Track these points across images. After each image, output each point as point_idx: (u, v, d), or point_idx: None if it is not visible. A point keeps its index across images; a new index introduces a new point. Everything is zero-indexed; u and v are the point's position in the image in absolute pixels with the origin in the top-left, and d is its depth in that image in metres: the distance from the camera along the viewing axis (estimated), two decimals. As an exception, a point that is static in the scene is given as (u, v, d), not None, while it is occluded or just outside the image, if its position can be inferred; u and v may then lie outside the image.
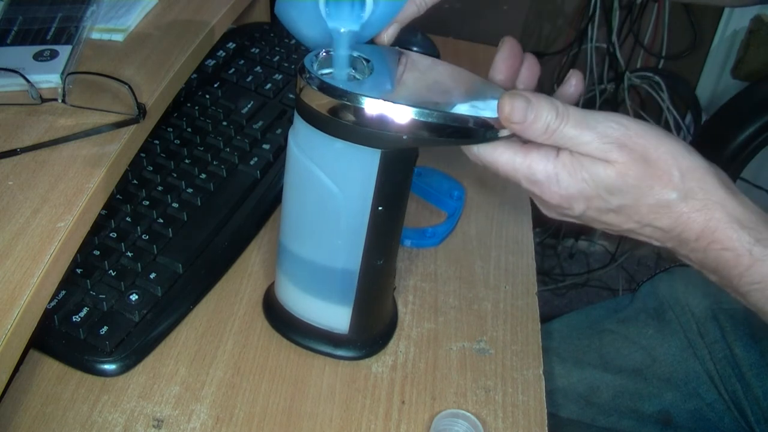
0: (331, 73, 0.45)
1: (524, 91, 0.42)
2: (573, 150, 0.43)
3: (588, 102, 1.48)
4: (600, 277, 1.68)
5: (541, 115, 0.42)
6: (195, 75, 0.73)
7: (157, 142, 0.67)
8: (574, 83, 0.49)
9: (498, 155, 0.44)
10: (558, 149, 0.43)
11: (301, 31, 0.47)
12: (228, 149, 0.68)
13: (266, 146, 0.69)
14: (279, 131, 0.71)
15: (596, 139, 0.42)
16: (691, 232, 0.43)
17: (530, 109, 0.41)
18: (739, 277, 0.43)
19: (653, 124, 0.44)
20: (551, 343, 0.76)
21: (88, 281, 0.55)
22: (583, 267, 1.70)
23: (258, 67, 0.80)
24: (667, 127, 1.45)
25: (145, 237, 0.59)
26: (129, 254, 0.57)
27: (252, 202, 0.65)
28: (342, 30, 0.43)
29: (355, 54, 0.45)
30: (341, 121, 0.42)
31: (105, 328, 0.52)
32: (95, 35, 0.67)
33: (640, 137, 0.42)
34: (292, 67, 0.81)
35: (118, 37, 0.67)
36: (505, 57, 0.48)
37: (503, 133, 0.43)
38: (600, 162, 0.42)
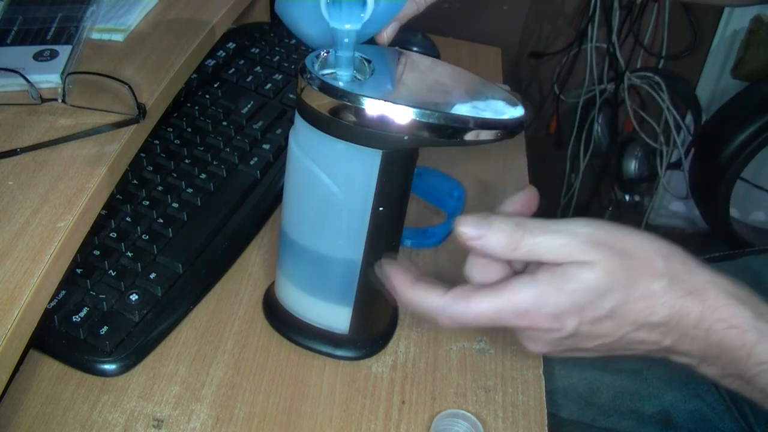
0: (332, 73, 0.45)
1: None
2: (548, 260, 0.41)
3: (588, 102, 1.48)
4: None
5: (495, 225, 0.41)
6: (195, 75, 0.73)
7: (157, 142, 0.67)
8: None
9: (475, 306, 0.42)
10: (533, 272, 0.42)
11: (301, 30, 0.47)
12: (228, 149, 0.68)
13: (266, 146, 0.69)
14: (279, 131, 0.71)
15: (570, 241, 0.40)
16: (689, 318, 0.41)
17: (483, 223, 0.41)
18: (747, 357, 0.41)
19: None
20: (551, 343, 0.75)
21: (88, 281, 0.55)
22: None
23: (258, 67, 0.80)
24: (667, 127, 1.45)
25: (145, 237, 0.59)
26: (129, 254, 0.57)
27: (252, 202, 0.65)
28: (344, 28, 0.43)
29: (356, 54, 0.45)
30: (342, 122, 0.42)
31: (105, 328, 0.52)
32: (95, 35, 0.67)
33: (610, 232, 0.41)
34: (292, 67, 0.81)
35: (118, 37, 0.67)
36: (519, 202, 0.46)
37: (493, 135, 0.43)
38: (583, 266, 0.40)
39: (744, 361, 0.41)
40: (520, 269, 0.44)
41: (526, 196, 0.45)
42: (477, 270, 0.44)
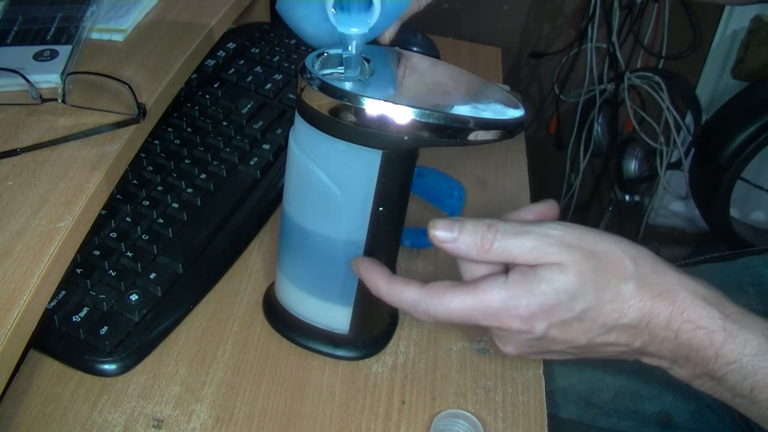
0: (332, 73, 0.45)
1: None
2: (521, 261, 0.41)
3: (588, 102, 1.48)
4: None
5: (466, 228, 0.41)
6: (195, 75, 0.73)
7: (157, 142, 0.67)
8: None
9: (448, 303, 0.42)
10: (506, 272, 0.42)
11: (303, 30, 0.47)
12: (228, 149, 0.68)
13: (266, 146, 0.69)
14: (279, 131, 0.71)
15: (541, 243, 0.41)
16: (659, 319, 0.41)
17: (455, 226, 0.42)
18: (715, 358, 0.41)
19: None
20: (551, 343, 0.75)
21: (88, 281, 0.55)
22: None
23: (258, 67, 0.80)
24: (667, 127, 1.45)
25: (145, 237, 0.59)
26: (129, 254, 0.57)
27: (252, 202, 0.65)
28: (351, 33, 0.43)
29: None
30: (342, 122, 0.42)
31: (105, 328, 0.52)
32: (95, 35, 0.67)
33: (581, 234, 0.41)
34: (292, 67, 0.81)
35: (118, 37, 0.67)
36: (539, 211, 0.46)
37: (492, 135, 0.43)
38: (555, 267, 0.41)
39: (712, 361, 0.41)
40: (506, 268, 0.44)
41: (545, 210, 0.46)
42: (465, 267, 0.45)
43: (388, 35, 0.49)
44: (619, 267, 0.41)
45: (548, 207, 0.46)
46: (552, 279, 0.41)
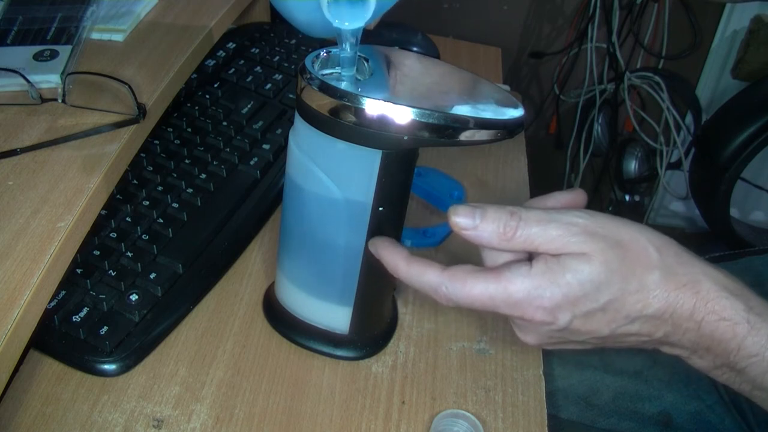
0: (332, 73, 0.45)
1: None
2: (544, 250, 0.41)
3: (588, 102, 1.48)
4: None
5: (488, 215, 0.41)
6: (195, 75, 0.73)
7: (157, 142, 0.67)
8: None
9: (470, 289, 0.41)
10: (530, 262, 0.41)
11: (295, 17, 0.47)
12: (228, 149, 0.68)
13: (266, 146, 0.69)
14: (279, 131, 0.71)
15: (565, 232, 0.40)
16: (683, 309, 0.41)
17: (477, 213, 0.41)
18: (737, 349, 0.41)
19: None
20: (551, 343, 0.75)
21: (88, 281, 0.55)
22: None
23: (258, 67, 0.80)
24: (667, 127, 1.45)
25: (145, 237, 0.59)
26: (129, 254, 0.57)
27: (252, 202, 0.65)
28: (348, 27, 0.43)
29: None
30: (342, 122, 0.42)
31: (105, 328, 0.52)
32: (95, 35, 0.67)
33: (605, 223, 0.41)
34: (292, 67, 0.81)
35: (118, 37, 0.67)
36: (565, 200, 0.46)
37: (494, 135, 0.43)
38: (580, 257, 0.40)
39: (734, 353, 0.41)
40: (529, 255, 0.43)
41: (573, 198, 0.45)
42: (487, 253, 0.44)
43: (372, 25, 0.49)
44: (643, 257, 0.41)
45: (576, 196, 0.45)
46: (577, 269, 0.40)
